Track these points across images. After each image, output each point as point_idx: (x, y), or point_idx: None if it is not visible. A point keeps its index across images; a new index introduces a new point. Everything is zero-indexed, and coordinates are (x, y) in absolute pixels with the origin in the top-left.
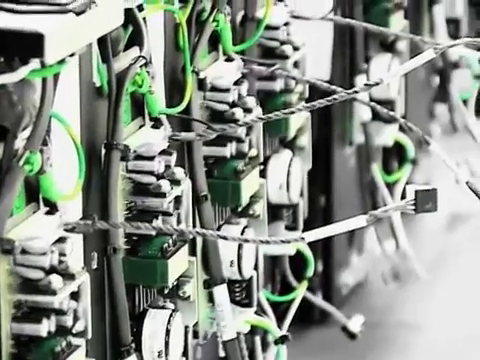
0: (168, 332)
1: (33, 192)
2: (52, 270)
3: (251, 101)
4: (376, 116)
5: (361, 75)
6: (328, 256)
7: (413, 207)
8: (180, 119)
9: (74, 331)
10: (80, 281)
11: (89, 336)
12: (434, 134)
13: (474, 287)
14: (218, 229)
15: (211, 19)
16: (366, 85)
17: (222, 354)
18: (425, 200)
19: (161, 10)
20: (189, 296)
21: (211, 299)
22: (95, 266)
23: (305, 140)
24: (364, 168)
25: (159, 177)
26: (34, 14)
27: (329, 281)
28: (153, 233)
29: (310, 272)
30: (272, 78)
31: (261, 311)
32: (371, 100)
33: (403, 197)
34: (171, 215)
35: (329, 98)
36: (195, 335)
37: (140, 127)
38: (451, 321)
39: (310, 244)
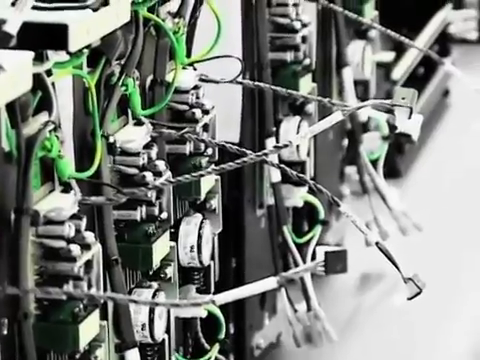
0: None
1: None
2: None
3: (161, 164)
4: (286, 178)
5: (271, 138)
6: (240, 318)
7: (323, 268)
8: (90, 183)
9: None
10: None
11: None
12: (344, 195)
13: (385, 348)
14: (129, 293)
15: (120, 83)
16: (275, 147)
17: None
18: (335, 261)
19: (70, 75)
20: None
21: None
22: (5, 332)
23: (215, 203)
24: (275, 230)
25: (69, 242)
26: None
27: (241, 343)
28: (64, 298)
29: (222, 334)
30: (182, 141)
31: None
32: (281, 162)
33: (314, 258)
34: (82, 279)
35: (239, 161)
36: None
37: (50, 192)
38: None
39: (222, 306)
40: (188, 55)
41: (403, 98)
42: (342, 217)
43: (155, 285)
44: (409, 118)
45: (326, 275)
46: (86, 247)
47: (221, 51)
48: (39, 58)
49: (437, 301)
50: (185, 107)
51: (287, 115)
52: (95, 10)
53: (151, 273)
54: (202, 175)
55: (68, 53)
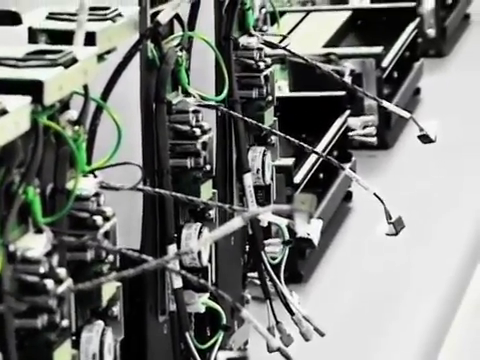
0: None
1: None
2: None
3: (62, 272)
4: (188, 284)
5: (172, 244)
6: None
7: None
8: None
9: None
10: None
11: None
12: (246, 300)
13: None
14: None
15: (20, 191)
16: (177, 254)
17: None
18: None
19: None
20: None
21: None
22: None
23: (117, 309)
24: (177, 336)
25: None
26: None
27: None
28: None
29: None
30: (83, 248)
31: None
32: (182, 268)
33: None
34: None
35: (140, 267)
36: None
37: None
38: None
39: None
40: (88, 162)
41: (303, 203)
42: (244, 322)
43: None
44: (309, 223)
45: None
46: None
47: (121, 158)
48: None
49: None
50: (86, 214)
51: (188, 221)
52: None
53: None
54: (103, 282)
55: None
